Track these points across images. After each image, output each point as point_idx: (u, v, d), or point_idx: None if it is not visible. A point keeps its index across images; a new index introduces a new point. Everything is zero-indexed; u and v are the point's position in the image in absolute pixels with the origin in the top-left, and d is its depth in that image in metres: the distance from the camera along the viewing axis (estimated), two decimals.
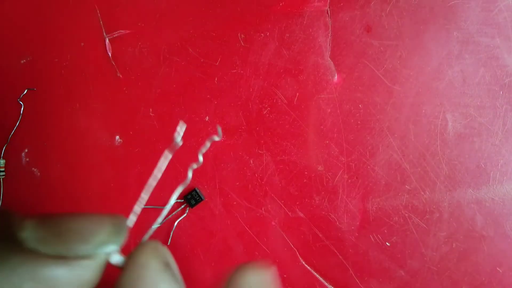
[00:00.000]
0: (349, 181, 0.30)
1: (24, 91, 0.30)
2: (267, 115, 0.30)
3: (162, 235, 0.30)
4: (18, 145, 0.30)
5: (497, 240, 0.30)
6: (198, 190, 0.30)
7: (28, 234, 0.14)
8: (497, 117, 0.30)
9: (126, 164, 0.31)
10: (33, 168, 0.30)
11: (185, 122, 0.31)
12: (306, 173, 0.30)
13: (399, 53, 0.30)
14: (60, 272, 0.14)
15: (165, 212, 0.18)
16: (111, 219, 0.15)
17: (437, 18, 0.30)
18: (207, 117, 0.30)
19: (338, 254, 0.30)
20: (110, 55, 0.30)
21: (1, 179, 0.30)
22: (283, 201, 0.30)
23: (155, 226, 0.31)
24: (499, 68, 0.30)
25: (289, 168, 0.30)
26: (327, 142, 0.30)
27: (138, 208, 0.16)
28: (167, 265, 0.14)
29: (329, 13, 0.30)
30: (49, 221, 0.14)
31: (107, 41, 0.30)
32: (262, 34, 0.30)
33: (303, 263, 0.30)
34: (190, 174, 0.17)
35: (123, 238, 0.15)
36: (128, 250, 0.15)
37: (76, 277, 0.14)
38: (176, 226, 0.30)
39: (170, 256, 0.15)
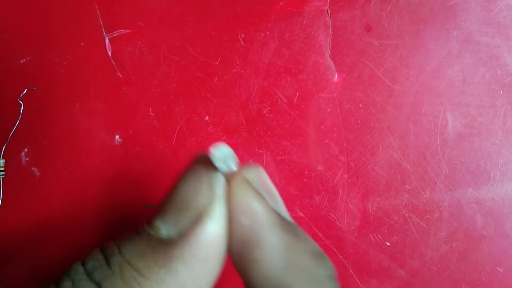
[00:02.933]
0: (349, 180, 0.30)
1: (24, 90, 0.30)
2: (267, 114, 0.30)
3: None
4: (17, 145, 0.30)
5: (498, 240, 0.29)
6: None
7: (165, 230, 0.15)
8: (497, 116, 0.30)
9: (126, 163, 0.30)
10: (32, 168, 0.30)
11: (185, 121, 0.30)
12: (306, 172, 0.30)
13: (399, 52, 0.30)
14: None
15: None
16: (206, 169, 0.16)
17: (437, 18, 0.30)
18: (207, 117, 0.30)
19: (338, 253, 0.30)
20: (110, 54, 0.30)
21: (1, 178, 0.30)
22: (283, 201, 0.30)
23: None
24: (499, 68, 0.30)
25: (289, 167, 0.30)
26: (327, 141, 0.30)
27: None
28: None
29: (329, 13, 0.30)
30: (164, 210, 0.15)
31: (107, 40, 0.30)
32: (262, 34, 0.30)
33: None
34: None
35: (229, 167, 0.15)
36: None
37: (214, 233, 0.15)
38: None
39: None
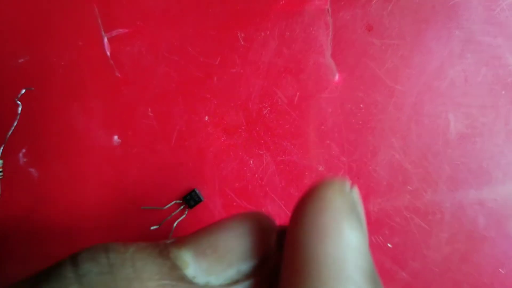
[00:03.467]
0: (350, 181, 0.30)
1: (22, 90, 0.30)
2: (267, 115, 0.30)
3: (161, 236, 0.30)
4: (15, 146, 0.30)
5: (499, 241, 0.29)
6: (197, 191, 0.30)
7: (193, 271, 0.13)
8: (499, 117, 0.29)
9: (124, 164, 0.30)
10: (30, 169, 0.30)
11: (185, 122, 0.30)
12: (306, 173, 0.30)
13: (401, 52, 0.30)
14: None
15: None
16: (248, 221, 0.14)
17: (438, 17, 0.30)
18: (206, 117, 0.30)
19: None
20: (108, 54, 0.30)
21: None
22: (283, 202, 0.30)
23: (154, 227, 0.30)
24: (502, 68, 0.29)
25: (289, 168, 0.30)
26: (328, 142, 0.30)
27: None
28: (353, 207, 0.13)
29: (329, 12, 0.30)
30: (200, 248, 0.14)
31: (105, 40, 0.30)
32: (262, 33, 0.30)
33: None
34: None
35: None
36: None
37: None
38: (175, 227, 0.30)
39: (358, 198, 0.14)
